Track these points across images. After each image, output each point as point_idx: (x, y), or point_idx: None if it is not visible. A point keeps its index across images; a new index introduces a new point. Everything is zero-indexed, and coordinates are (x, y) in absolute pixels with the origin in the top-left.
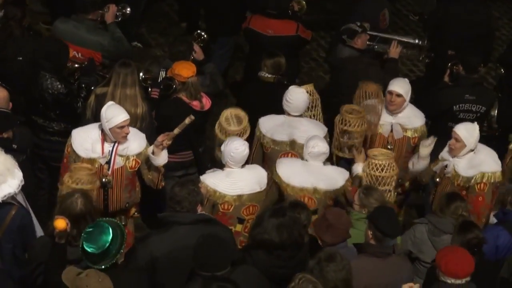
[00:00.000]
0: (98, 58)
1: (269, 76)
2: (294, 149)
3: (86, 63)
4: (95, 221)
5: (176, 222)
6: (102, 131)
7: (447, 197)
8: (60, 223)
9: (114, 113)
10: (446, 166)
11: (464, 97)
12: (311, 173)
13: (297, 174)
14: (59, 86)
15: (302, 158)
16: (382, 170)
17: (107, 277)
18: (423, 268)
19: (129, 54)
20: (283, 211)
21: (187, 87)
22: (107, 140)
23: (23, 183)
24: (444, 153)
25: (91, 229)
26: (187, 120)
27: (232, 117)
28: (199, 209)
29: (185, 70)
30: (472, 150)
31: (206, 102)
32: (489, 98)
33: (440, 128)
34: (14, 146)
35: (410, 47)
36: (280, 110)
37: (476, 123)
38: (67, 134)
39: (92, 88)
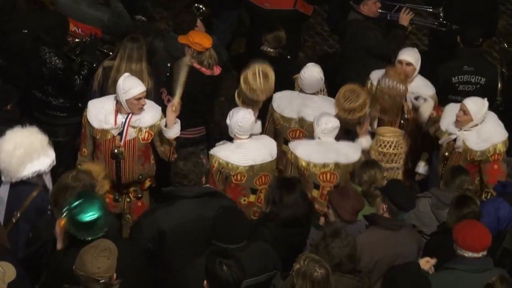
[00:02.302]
0: (98, 34)
1: (271, 50)
2: (303, 127)
3: (87, 38)
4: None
5: (182, 196)
6: (117, 102)
7: (451, 171)
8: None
9: (131, 85)
10: (454, 140)
11: (463, 69)
12: (328, 150)
13: (316, 152)
14: (57, 61)
15: (312, 136)
16: (390, 147)
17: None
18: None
19: (130, 30)
20: (293, 186)
21: (203, 57)
22: (121, 112)
23: (54, 163)
24: (450, 126)
25: (78, 201)
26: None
27: (259, 72)
28: (203, 181)
29: (205, 40)
30: (477, 125)
31: (216, 69)
32: (489, 69)
33: (442, 102)
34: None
35: (424, 15)
36: (283, 84)
37: (486, 99)
38: (66, 109)
39: (94, 65)
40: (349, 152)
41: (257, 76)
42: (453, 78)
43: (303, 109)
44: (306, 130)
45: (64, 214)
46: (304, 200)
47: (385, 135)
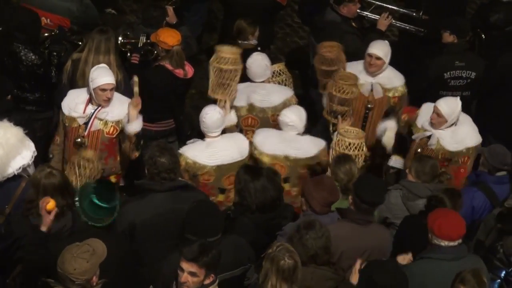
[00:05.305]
0: (67, 24)
1: (239, 41)
2: (253, 113)
3: (56, 31)
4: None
5: (154, 190)
6: (90, 93)
7: (419, 160)
8: (52, 204)
9: (99, 74)
10: (428, 137)
11: (454, 64)
12: (283, 142)
13: (270, 143)
14: (33, 57)
15: (264, 123)
16: (351, 149)
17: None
18: None
19: (97, 21)
20: (258, 171)
21: (172, 55)
22: (92, 103)
23: (35, 154)
24: (426, 123)
25: (98, 186)
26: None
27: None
28: None
29: (170, 38)
30: (453, 124)
31: (189, 70)
32: (478, 63)
33: (432, 97)
34: None
35: (403, 19)
36: (245, 76)
37: (458, 98)
38: (42, 104)
39: (63, 55)
40: (306, 147)
41: (224, 46)
42: (445, 74)
43: (252, 95)
44: (257, 116)
45: (77, 198)
46: (272, 184)
47: (346, 136)
